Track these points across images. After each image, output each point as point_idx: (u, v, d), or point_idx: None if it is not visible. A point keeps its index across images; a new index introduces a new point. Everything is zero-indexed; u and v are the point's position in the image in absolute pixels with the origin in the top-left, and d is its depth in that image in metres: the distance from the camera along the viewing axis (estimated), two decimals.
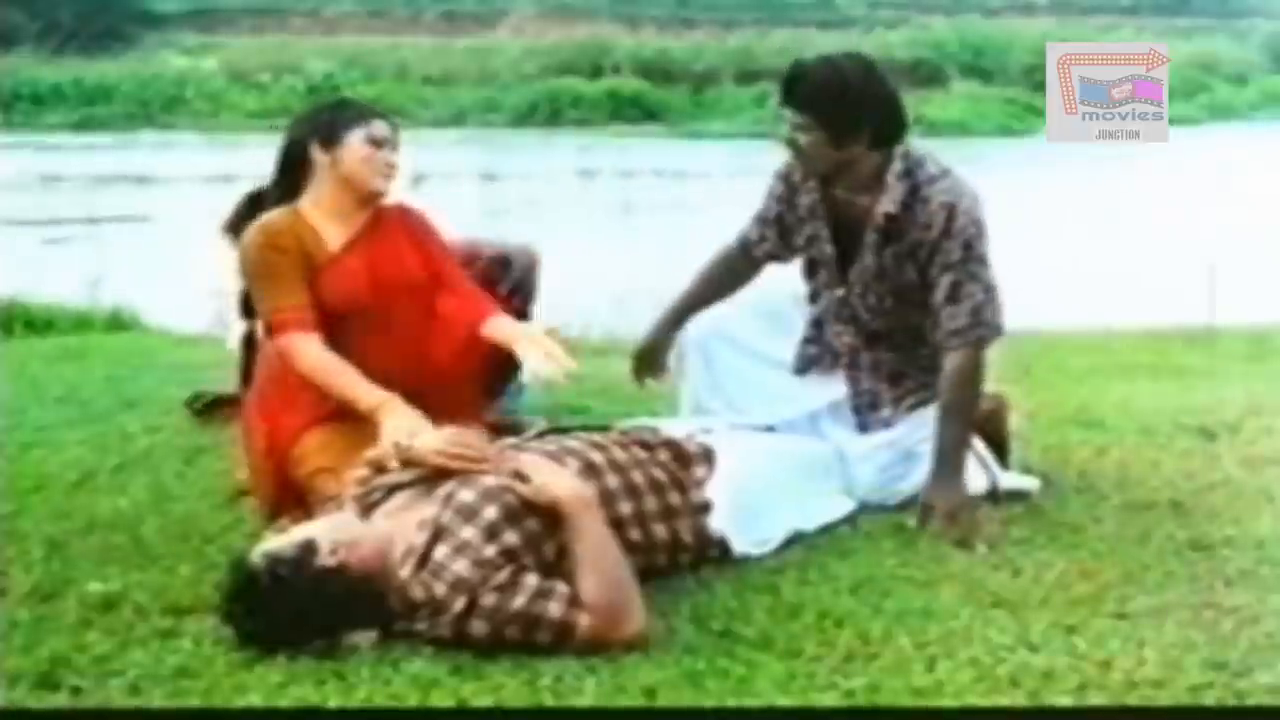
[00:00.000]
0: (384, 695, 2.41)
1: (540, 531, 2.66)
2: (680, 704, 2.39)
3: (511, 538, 2.62)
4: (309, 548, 2.57)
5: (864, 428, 3.49)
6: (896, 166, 3.28)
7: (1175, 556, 3.08)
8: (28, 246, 10.78)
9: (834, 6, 31.29)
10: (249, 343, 3.48)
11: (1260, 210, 12.00)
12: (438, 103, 23.38)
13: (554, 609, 2.56)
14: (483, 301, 3.49)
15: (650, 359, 3.68)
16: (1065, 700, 2.41)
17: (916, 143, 3.38)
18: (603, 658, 2.53)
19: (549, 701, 2.39)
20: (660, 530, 2.93)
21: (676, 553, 2.96)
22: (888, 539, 3.20)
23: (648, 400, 3.99)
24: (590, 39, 26.18)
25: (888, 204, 3.28)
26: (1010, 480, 3.50)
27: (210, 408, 4.25)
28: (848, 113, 3.22)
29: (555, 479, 2.71)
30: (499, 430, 3.43)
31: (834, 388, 3.54)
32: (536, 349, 3.25)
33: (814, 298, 3.56)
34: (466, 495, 2.66)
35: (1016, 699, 2.42)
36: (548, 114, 22.94)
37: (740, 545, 3.05)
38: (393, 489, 2.83)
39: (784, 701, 2.40)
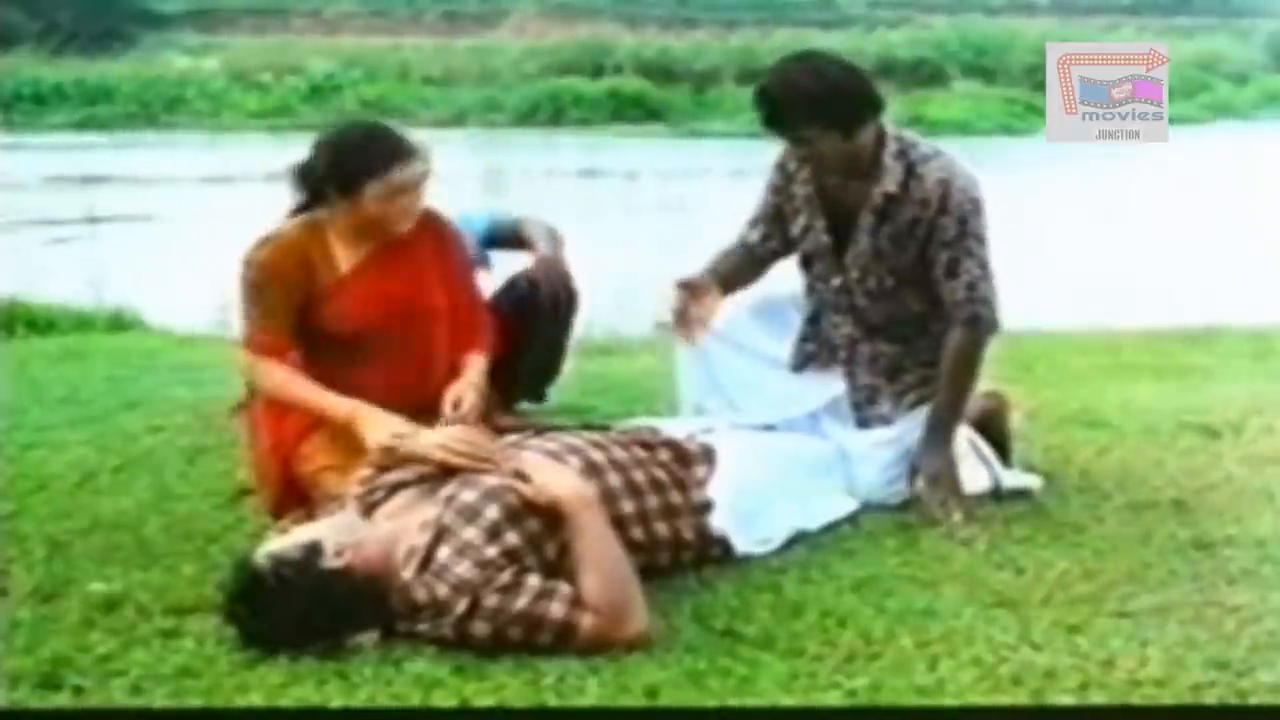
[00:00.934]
0: (386, 695, 2.41)
1: (542, 531, 2.66)
2: (683, 703, 2.39)
3: (513, 538, 2.62)
4: (314, 549, 2.57)
5: (863, 424, 3.50)
6: (892, 148, 3.32)
7: (1178, 555, 3.08)
8: (29, 246, 10.79)
9: (835, 6, 31.32)
10: None
11: (1261, 210, 12.00)
12: (439, 103, 23.36)
13: (556, 609, 2.56)
14: (474, 335, 3.46)
15: (704, 304, 3.49)
16: (1068, 699, 2.41)
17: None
18: (605, 657, 2.53)
19: (551, 701, 2.40)
20: (662, 529, 2.93)
21: (678, 552, 2.96)
22: (890, 538, 3.20)
23: (649, 400, 3.99)
24: (592, 39, 26.17)
25: (889, 184, 3.30)
26: (1012, 479, 3.51)
27: None
28: (846, 105, 3.24)
29: (556, 478, 2.71)
30: (502, 430, 3.43)
31: (833, 386, 3.55)
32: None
33: (809, 291, 3.56)
34: (468, 496, 2.66)
35: (1019, 698, 2.42)
36: (549, 114, 22.93)
37: (742, 544, 3.05)
38: (394, 488, 2.84)
39: (786, 701, 2.40)
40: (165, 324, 6.90)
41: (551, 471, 2.74)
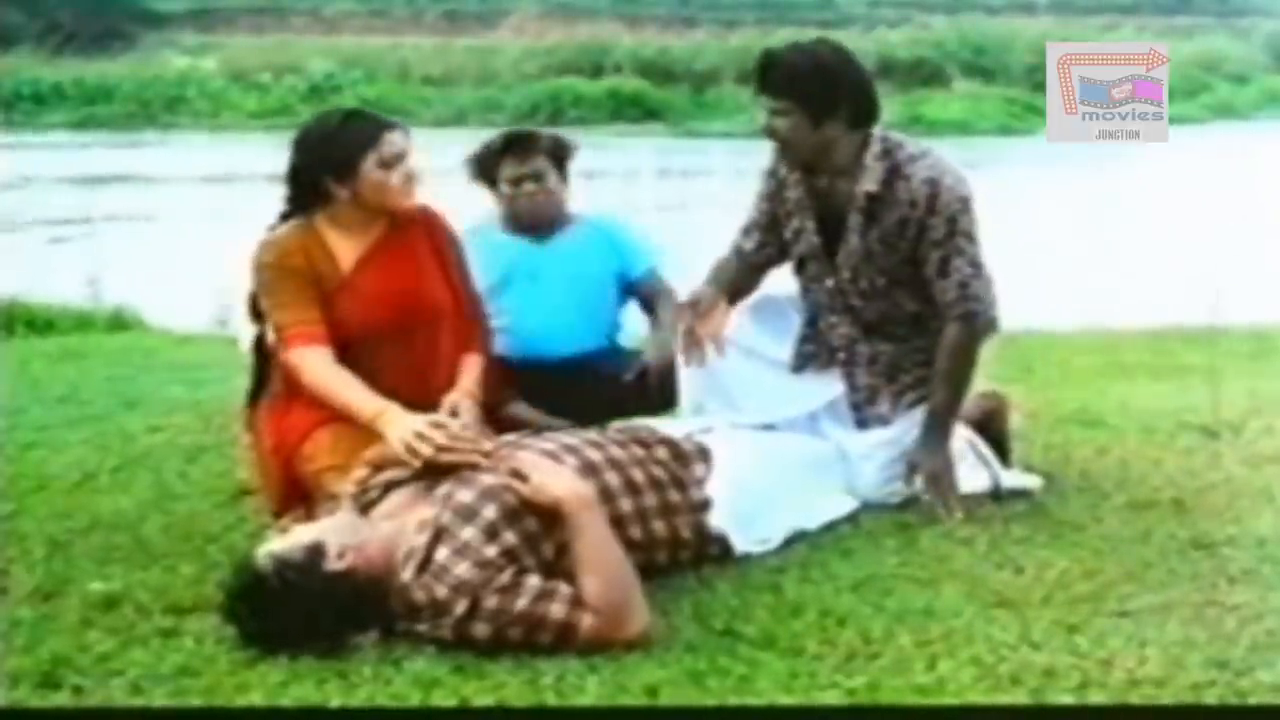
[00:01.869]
0: (386, 695, 2.41)
1: (540, 531, 2.66)
2: (682, 703, 2.39)
3: (511, 537, 2.62)
4: (317, 550, 2.57)
5: (862, 424, 3.50)
6: (875, 148, 3.33)
7: (1177, 555, 3.08)
8: (29, 246, 10.79)
9: (835, 6, 31.29)
10: (259, 346, 3.48)
11: (1261, 209, 12.00)
12: (439, 103, 23.34)
13: (556, 610, 2.56)
14: (473, 335, 3.45)
15: (713, 320, 3.46)
16: (1067, 698, 2.41)
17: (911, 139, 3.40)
18: (604, 657, 2.53)
19: (551, 700, 2.40)
20: (660, 527, 2.93)
21: (676, 550, 2.96)
22: (889, 538, 3.20)
23: None
24: (591, 39, 26.16)
25: (868, 183, 3.32)
26: (1012, 479, 3.51)
27: None
28: (824, 92, 3.27)
29: (554, 477, 2.71)
30: (515, 423, 3.44)
31: (832, 386, 3.55)
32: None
33: (804, 293, 3.57)
34: (465, 495, 2.66)
35: (1018, 697, 2.42)
36: (549, 114, 22.88)
37: (741, 544, 3.05)
38: (389, 487, 2.83)
39: (786, 700, 2.40)
40: (165, 324, 6.91)
41: (549, 471, 2.74)
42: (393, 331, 3.28)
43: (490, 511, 2.63)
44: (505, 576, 2.56)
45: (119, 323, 7.02)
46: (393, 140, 3.24)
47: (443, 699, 2.40)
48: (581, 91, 23.62)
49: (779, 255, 3.58)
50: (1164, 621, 2.71)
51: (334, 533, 2.63)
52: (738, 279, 3.58)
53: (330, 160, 3.23)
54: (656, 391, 3.67)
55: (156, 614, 2.75)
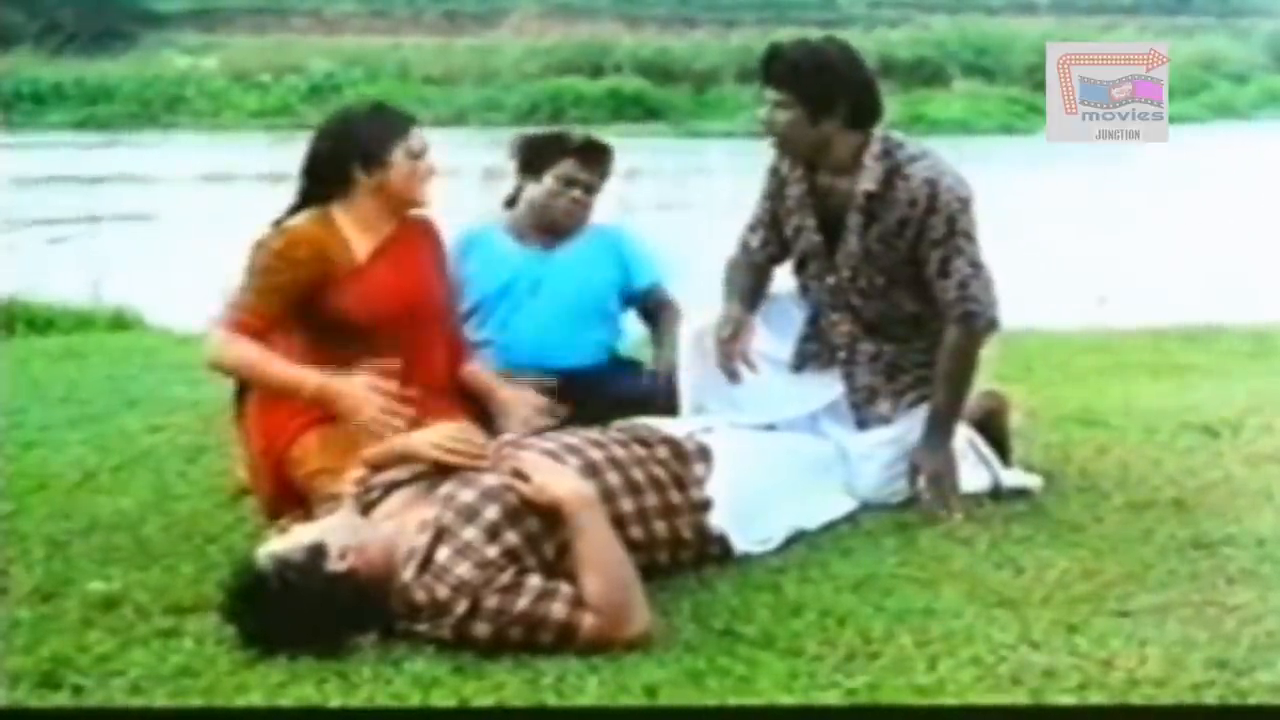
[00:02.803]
0: (386, 695, 2.41)
1: (541, 531, 2.66)
2: (682, 703, 2.39)
3: (513, 538, 2.62)
4: (318, 551, 2.57)
5: (862, 424, 3.50)
6: (874, 148, 3.34)
7: (1177, 555, 3.08)
8: (29, 246, 10.79)
9: (835, 6, 31.29)
10: None
11: (1261, 210, 12.00)
12: (439, 102, 23.34)
13: (557, 610, 2.56)
14: (463, 346, 3.53)
15: (743, 339, 3.46)
16: (1067, 699, 2.41)
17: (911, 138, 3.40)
18: (604, 656, 2.53)
19: (551, 700, 2.40)
20: (661, 527, 2.93)
21: (677, 550, 2.96)
22: (889, 537, 3.20)
23: None
24: (592, 38, 26.17)
25: (866, 182, 3.32)
26: (1012, 479, 3.51)
27: None
28: (824, 88, 3.28)
29: (556, 477, 2.71)
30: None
31: (833, 386, 3.55)
32: (517, 406, 3.37)
33: (805, 292, 3.57)
34: (467, 495, 2.66)
35: (1018, 697, 2.42)
36: (549, 113, 22.87)
37: (741, 543, 3.05)
38: (390, 488, 2.83)
39: (786, 700, 2.40)
40: (165, 323, 6.90)
41: (551, 471, 2.73)
42: (395, 324, 3.30)
43: (492, 512, 2.63)
44: (506, 576, 2.56)
45: (119, 322, 7.02)
46: (418, 135, 3.30)
47: (442, 699, 2.40)
48: (582, 91, 23.62)
49: (782, 253, 3.59)
50: (1164, 621, 2.71)
51: (335, 533, 2.63)
52: (755, 282, 3.58)
53: (360, 149, 3.26)
54: (660, 406, 3.65)
55: (156, 614, 2.75)
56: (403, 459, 2.88)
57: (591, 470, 2.85)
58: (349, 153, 3.27)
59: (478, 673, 2.48)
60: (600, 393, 3.71)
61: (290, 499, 3.22)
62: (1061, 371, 5.13)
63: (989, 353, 3.50)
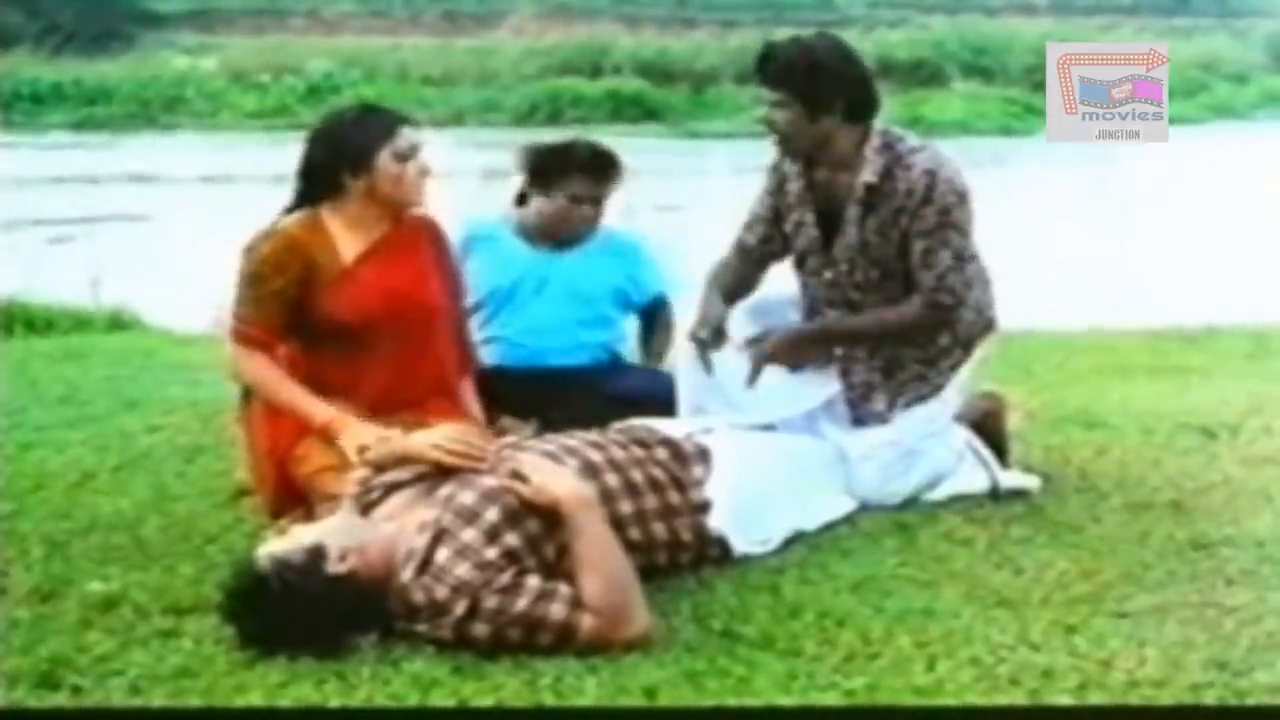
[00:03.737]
0: (384, 695, 2.41)
1: (541, 533, 2.65)
2: (681, 703, 2.39)
3: (512, 539, 2.62)
4: (318, 553, 2.56)
5: (859, 421, 3.50)
6: (875, 142, 3.36)
7: (1176, 556, 3.08)
8: (28, 246, 10.78)
9: (834, 6, 31.28)
10: None
11: (1260, 210, 12.00)
12: (438, 103, 23.32)
13: (556, 611, 2.56)
14: (462, 358, 3.52)
15: (716, 332, 3.49)
16: (1066, 699, 2.41)
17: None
18: (603, 657, 2.53)
19: (549, 701, 2.40)
20: (660, 529, 2.93)
21: (676, 552, 2.96)
22: (888, 538, 3.20)
23: None
24: (590, 39, 26.15)
25: (868, 174, 3.34)
26: (1011, 479, 3.51)
27: None
28: (820, 85, 3.31)
29: (555, 479, 2.71)
30: (503, 430, 3.44)
31: (830, 385, 3.55)
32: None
33: (804, 288, 3.57)
34: (466, 497, 2.66)
35: (1017, 698, 2.42)
36: (548, 114, 22.88)
37: (740, 544, 3.05)
38: (390, 489, 2.83)
39: (785, 701, 2.40)
40: (164, 324, 6.90)
41: (550, 472, 2.73)
42: (386, 327, 3.30)
43: (492, 514, 2.63)
44: (505, 578, 2.56)
45: (118, 323, 7.01)
46: (406, 134, 3.28)
47: (441, 699, 2.40)
48: (581, 92, 23.60)
49: (781, 249, 3.60)
50: (1163, 622, 2.71)
51: (334, 534, 2.62)
52: (739, 276, 3.59)
53: (346, 153, 3.26)
54: (659, 407, 3.66)
55: (155, 614, 2.75)
56: (403, 460, 2.88)
57: (590, 471, 2.85)
58: (336, 157, 3.27)
59: (476, 673, 2.48)
60: (598, 393, 3.72)
61: (292, 498, 3.23)
62: (1060, 372, 5.13)
63: (987, 353, 3.51)
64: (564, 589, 2.59)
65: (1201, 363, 5.33)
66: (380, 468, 2.90)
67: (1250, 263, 9.22)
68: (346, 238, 3.32)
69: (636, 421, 3.24)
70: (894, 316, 3.41)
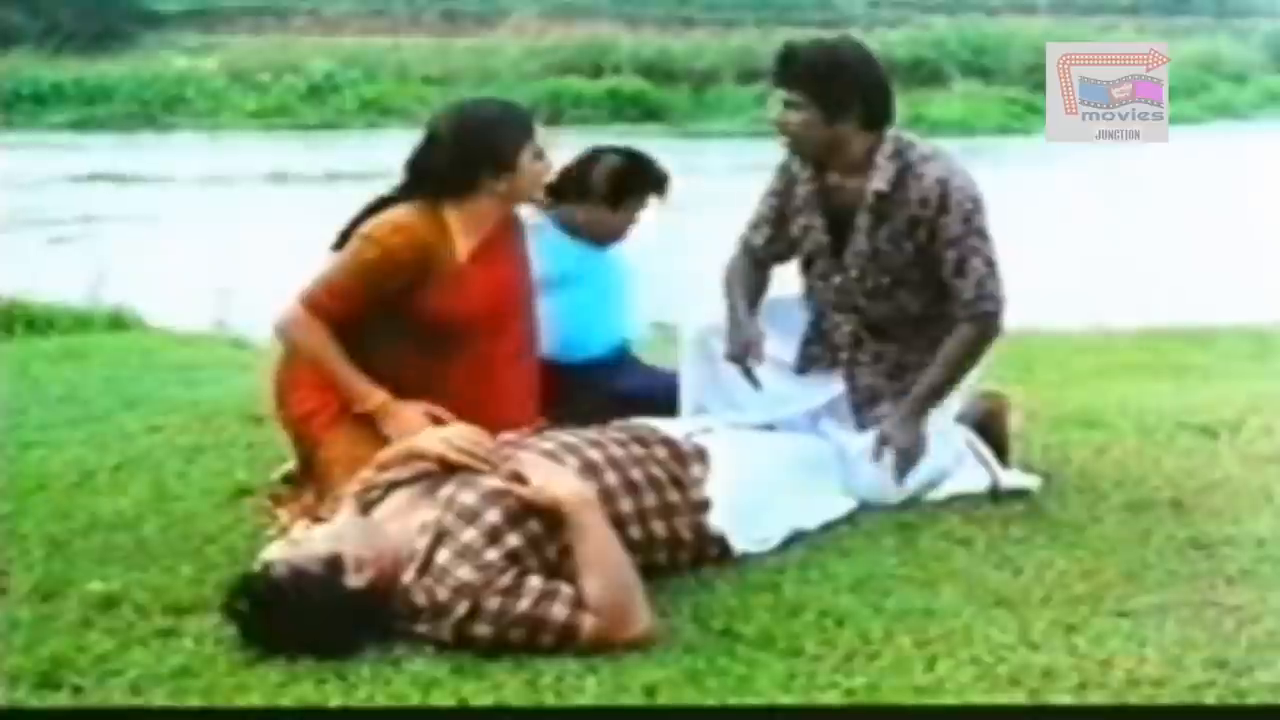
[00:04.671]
0: (385, 695, 2.41)
1: (542, 533, 2.65)
2: (681, 703, 2.40)
3: (514, 540, 2.62)
4: (335, 565, 2.55)
5: (863, 425, 3.49)
6: (887, 148, 3.35)
7: (1176, 555, 3.08)
8: (28, 246, 10.78)
9: (834, 6, 31.26)
10: None
11: (1260, 210, 12.00)
12: (438, 103, 23.19)
13: (558, 611, 2.56)
14: (530, 346, 3.49)
15: (755, 345, 3.44)
16: (1066, 699, 2.41)
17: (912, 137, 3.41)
18: (604, 657, 2.53)
19: (550, 700, 2.40)
20: (659, 528, 2.93)
21: (676, 551, 2.96)
22: (888, 538, 3.20)
23: None
24: (591, 39, 26.14)
25: (878, 182, 3.33)
26: (1011, 479, 3.50)
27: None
28: (840, 90, 3.29)
29: (555, 478, 2.71)
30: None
31: (832, 386, 3.55)
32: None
33: (810, 292, 3.57)
34: (467, 498, 2.66)
35: (1017, 697, 2.42)
36: (549, 114, 22.80)
37: (740, 544, 3.05)
38: (391, 487, 2.83)
39: (785, 700, 2.40)
40: (164, 324, 6.90)
41: (550, 471, 2.73)
42: (489, 322, 3.30)
43: (493, 515, 2.63)
44: (506, 578, 2.56)
45: (119, 323, 7.01)
46: (541, 133, 3.30)
47: (442, 699, 2.40)
48: (581, 91, 23.60)
49: (787, 251, 3.59)
50: (1163, 622, 2.71)
51: (348, 542, 2.61)
52: (756, 281, 3.57)
53: (490, 153, 3.23)
54: (660, 407, 3.66)
55: (156, 614, 2.75)
56: (410, 457, 2.87)
57: (590, 470, 2.85)
58: (479, 158, 3.23)
59: (477, 673, 2.48)
60: (605, 389, 3.72)
61: (308, 471, 3.28)
62: (1061, 372, 5.13)
63: (987, 354, 3.51)
64: (565, 589, 2.59)
65: (1202, 362, 5.33)
66: (383, 467, 2.90)
67: (1250, 262, 9.21)
68: (463, 234, 3.30)
69: (636, 420, 3.24)
70: (955, 348, 3.36)
